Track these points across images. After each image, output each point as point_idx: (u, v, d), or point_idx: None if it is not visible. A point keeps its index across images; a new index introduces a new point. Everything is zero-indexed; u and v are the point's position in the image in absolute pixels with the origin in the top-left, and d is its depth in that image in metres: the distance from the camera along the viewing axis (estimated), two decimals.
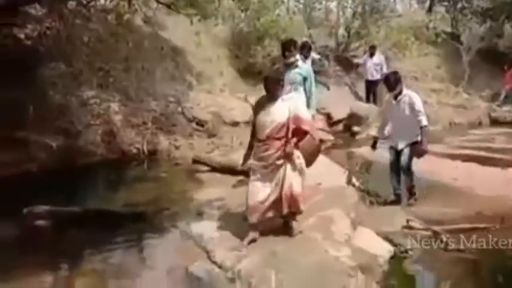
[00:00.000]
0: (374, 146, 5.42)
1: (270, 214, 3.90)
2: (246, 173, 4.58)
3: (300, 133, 3.81)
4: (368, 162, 7.37)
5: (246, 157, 4.07)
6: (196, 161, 6.84)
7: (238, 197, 4.53)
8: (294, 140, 3.79)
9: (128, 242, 4.35)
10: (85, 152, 6.81)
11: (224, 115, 8.50)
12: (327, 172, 5.61)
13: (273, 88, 3.82)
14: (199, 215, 4.80)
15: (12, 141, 6.05)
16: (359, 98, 11.52)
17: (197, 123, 8.27)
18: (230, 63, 10.88)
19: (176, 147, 7.64)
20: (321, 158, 6.46)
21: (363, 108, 10.26)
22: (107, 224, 4.52)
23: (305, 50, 7.32)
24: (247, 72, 10.60)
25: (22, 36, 6.51)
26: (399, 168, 5.15)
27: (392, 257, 4.00)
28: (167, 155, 7.55)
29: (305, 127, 3.81)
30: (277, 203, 3.83)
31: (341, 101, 10.63)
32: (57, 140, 6.48)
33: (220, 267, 3.61)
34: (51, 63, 6.82)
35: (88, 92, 7.22)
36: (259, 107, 3.92)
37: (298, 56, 5.61)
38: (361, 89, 11.53)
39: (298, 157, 3.85)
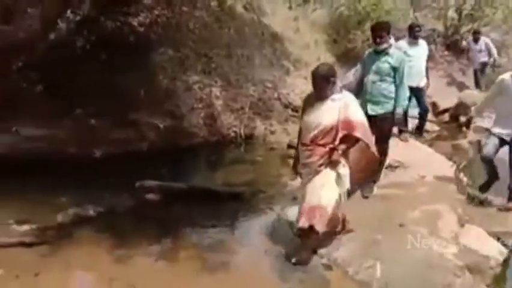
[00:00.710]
0: (467, 126, 4.89)
1: None
2: None
3: (350, 140, 3.31)
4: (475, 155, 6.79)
5: (296, 162, 3.59)
6: (290, 146, 6.86)
7: None
8: (342, 147, 3.28)
9: (228, 219, 4.54)
10: (188, 133, 7.20)
11: None
12: (432, 164, 5.29)
13: (320, 85, 3.30)
14: (295, 199, 4.82)
15: (126, 122, 6.64)
16: (465, 87, 10.61)
17: (292, 109, 8.27)
18: (328, 49, 10.66)
19: (272, 132, 7.74)
20: (425, 149, 6.15)
21: (473, 96, 9.40)
22: (209, 201, 4.76)
23: (413, 30, 6.80)
24: (346, 58, 10.30)
25: (135, 23, 7.03)
26: (492, 162, 4.55)
27: (505, 260, 3.66)
28: (263, 140, 7.69)
29: (357, 134, 3.26)
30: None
31: (448, 89, 9.88)
32: (164, 122, 6.93)
33: (315, 252, 3.61)
34: (160, 49, 7.27)
35: (193, 77, 7.58)
36: (307, 106, 3.46)
37: (392, 41, 4.97)
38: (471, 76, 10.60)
39: (344, 166, 3.34)
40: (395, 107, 4.57)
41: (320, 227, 3.30)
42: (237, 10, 9.31)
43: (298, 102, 8.33)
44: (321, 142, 3.26)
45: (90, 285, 3.37)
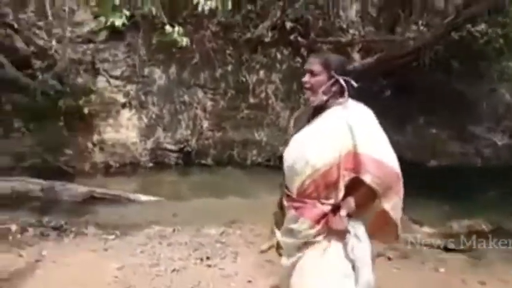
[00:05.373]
0: None
1: None
2: None
3: (361, 188, 1.61)
4: None
5: (279, 221, 1.86)
6: None
7: None
8: (351, 203, 1.62)
9: None
10: None
11: None
12: None
13: (312, 82, 1.69)
14: None
15: (465, 136, 6.47)
16: None
17: None
18: None
19: None
20: None
21: None
22: None
23: None
24: None
25: (477, 34, 6.73)
26: None
27: None
28: None
29: (365, 177, 1.57)
30: None
31: None
32: (503, 139, 6.51)
33: None
34: (503, 61, 6.78)
35: None
36: (295, 123, 1.88)
37: None
38: None
39: (358, 238, 1.63)
40: None
41: None
42: None
43: None
44: (315, 195, 1.68)
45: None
